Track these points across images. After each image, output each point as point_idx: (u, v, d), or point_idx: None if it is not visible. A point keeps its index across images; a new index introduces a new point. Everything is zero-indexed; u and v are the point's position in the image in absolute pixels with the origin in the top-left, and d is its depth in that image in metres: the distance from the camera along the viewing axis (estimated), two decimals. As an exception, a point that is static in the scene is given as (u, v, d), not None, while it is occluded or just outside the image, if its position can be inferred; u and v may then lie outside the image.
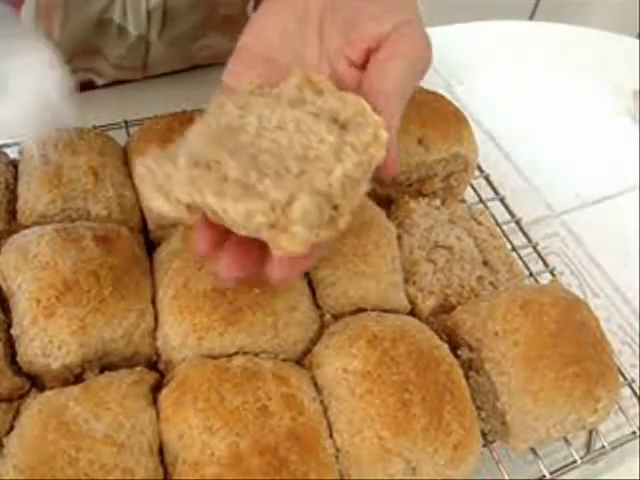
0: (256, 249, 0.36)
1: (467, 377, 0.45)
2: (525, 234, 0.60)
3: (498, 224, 0.59)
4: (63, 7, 0.55)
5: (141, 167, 0.36)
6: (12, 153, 0.54)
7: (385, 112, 0.37)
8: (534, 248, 0.59)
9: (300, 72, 0.40)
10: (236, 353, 0.44)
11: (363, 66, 0.41)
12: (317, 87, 0.39)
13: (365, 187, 0.36)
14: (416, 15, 0.42)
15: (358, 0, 0.42)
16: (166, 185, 0.34)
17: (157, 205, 0.35)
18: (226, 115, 0.38)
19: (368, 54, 0.41)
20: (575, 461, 0.47)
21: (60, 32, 0.56)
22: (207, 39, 0.65)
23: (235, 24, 0.64)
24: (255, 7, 0.64)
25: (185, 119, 0.53)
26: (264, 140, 0.37)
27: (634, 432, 0.50)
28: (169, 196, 0.34)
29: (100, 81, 0.66)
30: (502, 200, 0.63)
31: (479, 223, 0.57)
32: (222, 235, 0.37)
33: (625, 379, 0.52)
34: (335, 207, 0.34)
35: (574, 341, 0.45)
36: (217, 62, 0.70)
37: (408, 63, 0.40)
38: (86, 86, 0.67)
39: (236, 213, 0.33)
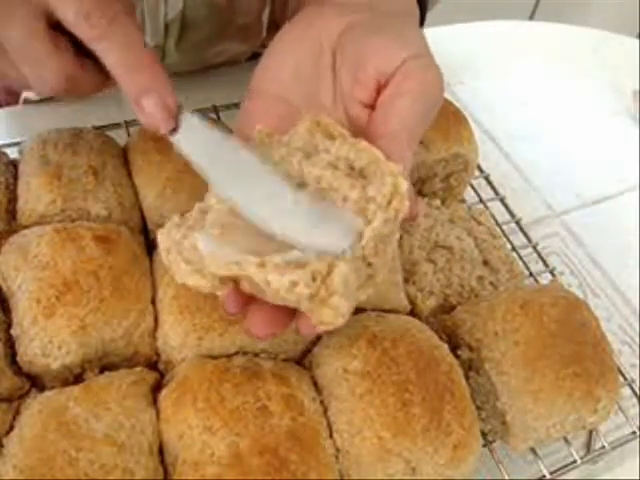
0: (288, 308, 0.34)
1: (467, 377, 0.45)
2: (525, 234, 0.60)
3: (498, 224, 0.59)
4: None
5: (165, 240, 0.35)
6: (12, 153, 0.54)
7: (394, 155, 0.36)
8: (534, 248, 0.59)
9: (309, 117, 0.38)
10: (236, 353, 0.44)
11: (374, 106, 0.39)
12: (327, 130, 0.38)
13: (396, 237, 0.35)
14: (425, 47, 0.40)
15: (367, 35, 0.40)
16: (196, 259, 0.33)
17: (192, 283, 0.34)
18: None
19: (378, 93, 0.39)
20: (575, 461, 0.47)
21: None
22: (222, 46, 0.65)
23: (250, 32, 0.64)
24: (271, 17, 0.64)
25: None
26: None
27: (634, 432, 0.50)
28: (203, 271, 0.33)
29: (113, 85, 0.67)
30: (502, 200, 0.63)
31: (479, 223, 0.57)
32: (250, 295, 0.35)
33: (625, 379, 0.52)
34: (369, 264, 0.34)
35: (574, 341, 0.45)
36: (226, 62, 0.70)
37: (413, 100, 0.37)
38: None
39: (279, 284, 0.31)
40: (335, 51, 0.41)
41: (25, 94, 0.63)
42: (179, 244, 0.34)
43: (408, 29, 0.41)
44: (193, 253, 0.34)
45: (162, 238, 0.35)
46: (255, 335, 0.35)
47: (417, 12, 0.47)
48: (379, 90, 0.38)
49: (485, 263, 0.54)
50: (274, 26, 0.66)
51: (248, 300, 0.35)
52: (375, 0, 0.44)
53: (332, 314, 0.32)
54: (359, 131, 0.38)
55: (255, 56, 0.71)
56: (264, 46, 0.70)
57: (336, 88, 0.41)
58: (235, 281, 0.34)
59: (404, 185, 0.34)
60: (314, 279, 0.32)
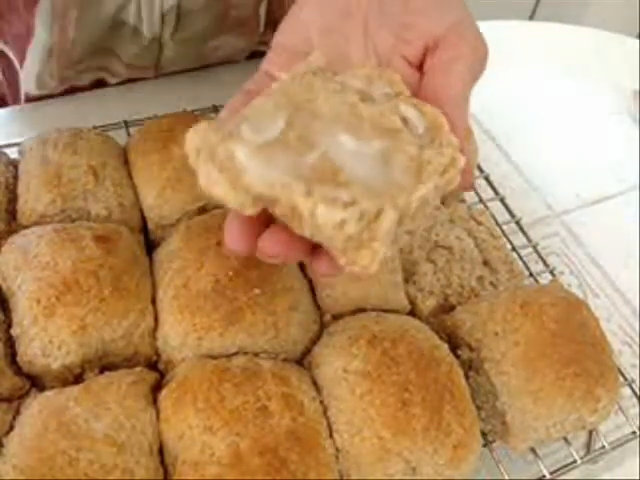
0: (305, 241, 0.32)
1: (467, 377, 0.45)
2: (525, 234, 0.60)
3: (498, 224, 0.59)
4: (78, 7, 0.55)
5: (198, 139, 0.31)
6: (12, 153, 0.54)
7: (457, 121, 0.35)
8: (534, 248, 0.59)
9: (371, 65, 0.37)
10: (236, 353, 0.44)
11: (420, 66, 0.39)
12: (389, 83, 0.36)
13: (431, 209, 0.35)
14: (468, 15, 0.40)
15: None
16: (232, 169, 0.30)
17: (219, 193, 0.30)
18: (293, 94, 0.34)
19: (425, 53, 0.38)
20: (575, 461, 0.47)
21: (75, 32, 0.57)
22: (220, 40, 0.65)
23: (247, 26, 0.64)
24: (268, 11, 0.64)
25: (186, 119, 0.54)
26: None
27: (634, 432, 0.50)
28: (236, 183, 0.29)
29: (113, 80, 0.67)
30: (502, 200, 0.63)
31: (479, 223, 0.57)
32: (259, 229, 0.32)
33: (625, 379, 0.52)
34: (399, 223, 0.32)
35: (574, 341, 0.45)
36: (225, 62, 0.70)
37: (470, 65, 0.37)
38: (92, 86, 0.67)
39: (327, 219, 0.29)
40: (367, 10, 0.40)
41: (25, 90, 0.63)
42: (212, 147, 0.30)
43: None
44: (227, 162, 0.30)
45: (192, 136, 0.31)
46: (269, 253, 0.32)
47: None
48: (426, 52, 0.38)
49: (485, 263, 0.54)
50: (272, 21, 0.66)
51: (255, 237, 0.32)
52: None
53: (370, 257, 0.30)
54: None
55: (254, 55, 0.71)
56: (262, 43, 0.71)
57: (368, 47, 0.40)
58: (269, 204, 0.30)
59: (462, 161, 0.33)
60: (361, 218, 0.29)
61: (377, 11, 0.40)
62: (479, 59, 0.38)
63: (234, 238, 0.33)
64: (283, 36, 0.41)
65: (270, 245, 0.32)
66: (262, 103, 0.34)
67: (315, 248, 0.32)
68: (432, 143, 0.34)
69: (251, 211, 0.30)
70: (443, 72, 0.37)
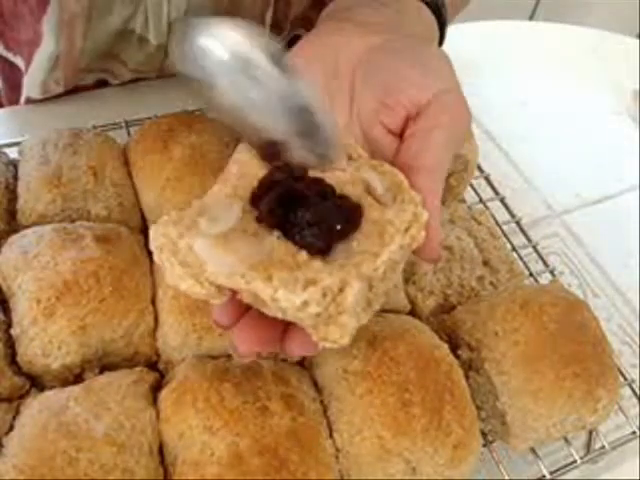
0: (279, 324, 0.33)
1: (467, 377, 0.45)
2: (525, 234, 0.60)
3: (498, 224, 0.59)
4: (86, 17, 0.55)
5: (159, 237, 0.32)
6: (12, 153, 0.54)
7: (426, 189, 0.35)
8: (534, 248, 0.59)
9: None
10: (236, 353, 0.44)
11: (400, 134, 0.38)
12: (346, 151, 0.36)
13: (401, 267, 0.34)
14: (455, 83, 0.39)
15: (395, 62, 0.39)
16: (193, 262, 0.31)
17: (185, 288, 0.31)
18: (248, 177, 0.35)
19: (406, 122, 0.38)
20: (575, 461, 0.47)
21: (82, 41, 0.57)
22: None
23: None
24: (274, 18, 0.64)
25: (186, 119, 0.53)
26: None
27: (634, 432, 0.50)
28: (199, 276, 0.30)
29: (115, 81, 0.67)
30: (502, 200, 0.63)
31: (479, 223, 0.57)
32: (242, 307, 0.33)
33: (625, 379, 0.52)
34: (370, 287, 0.32)
35: (574, 341, 0.45)
36: None
37: (449, 135, 0.37)
38: (94, 86, 0.67)
39: (289, 303, 0.29)
40: (355, 73, 0.40)
41: (27, 94, 0.63)
42: (174, 243, 0.31)
43: (435, 58, 0.41)
44: (189, 255, 0.31)
45: (155, 235, 0.32)
46: (242, 353, 0.33)
47: (437, 34, 0.47)
48: (407, 120, 0.38)
49: (485, 263, 0.54)
50: (277, 28, 0.66)
51: (240, 312, 0.33)
52: (395, 21, 0.44)
53: (339, 332, 0.30)
54: (378, 154, 0.38)
55: None
56: None
57: (353, 110, 0.40)
58: (233, 291, 0.31)
59: (425, 215, 0.33)
60: (325, 296, 0.30)
61: (365, 74, 0.39)
62: (460, 128, 0.38)
63: (218, 312, 0.34)
64: None
65: (244, 343, 0.33)
66: (218, 191, 0.34)
67: (288, 328, 0.33)
68: (394, 202, 0.34)
69: (219, 300, 0.31)
70: (421, 140, 0.37)
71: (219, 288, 0.31)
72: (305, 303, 0.29)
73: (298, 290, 0.29)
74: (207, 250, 0.31)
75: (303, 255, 0.31)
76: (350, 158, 0.36)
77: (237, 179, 0.35)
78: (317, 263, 0.31)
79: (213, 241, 0.31)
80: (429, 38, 0.46)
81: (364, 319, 0.32)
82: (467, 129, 0.39)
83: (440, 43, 0.49)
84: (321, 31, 0.43)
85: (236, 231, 0.32)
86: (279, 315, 0.31)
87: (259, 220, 0.33)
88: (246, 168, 0.35)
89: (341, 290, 0.30)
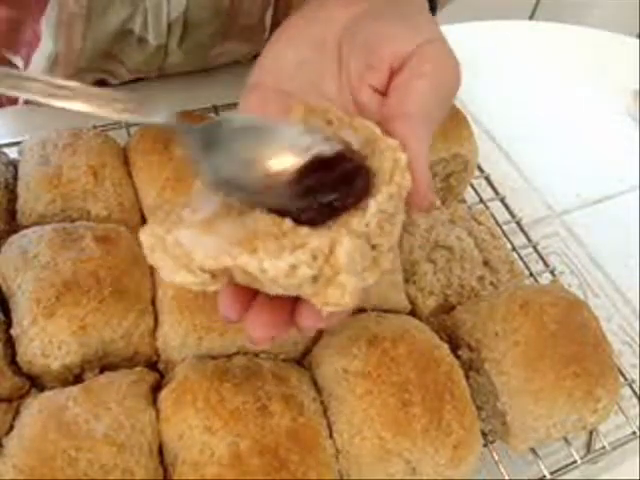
0: (288, 304, 0.32)
1: (467, 377, 0.45)
2: (525, 234, 0.60)
3: (498, 224, 0.59)
4: (85, 18, 0.55)
5: (148, 237, 0.32)
6: (12, 153, 0.54)
7: (409, 137, 0.34)
8: (534, 248, 0.60)
9: (302, 104, 0.37)
10: (236, 353, 0.44)
11: (387, 92, 0.38)
12: (325, 117, 0.36)
13: (401, 218, 0.33)
14: (438, 32, 0.39)
15: (377, 22, 0.39)
16: (182, 254, 0.31)
17: (180, 280, 0.31)
18: None
19: (391, 78, 0.37)
20: (575, 461, 0.47)
21: (81, 42, 0.57)
22: (225, 46, 0.65)
23: (253, 33, 0.64)
24: (274, 17, 0.64)
25: (187, 119, 0.53)
26: None
27: (634, 432, 0.50)
28: (190, 266, 0.30)
29: (114, 82, 0.67)
30: (502, 200, 0.63)
31: (479, 223, 0.57)
32: (249, 295, 0.33)
33: (625, 379, 0.52)
34: (374, 246, 0.31)
35: (574, 341, 0.45)
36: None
37: (432, 84, 0.36)
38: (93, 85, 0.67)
39: (277, 270, 0.28)
40: (341, 41, 0.40)
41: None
42: (163, 240, 0.31)
43: (419, 15, 0.40)
44: (178, 249, 0.31)
45: (144, 237, 0.32)
46: (255, 340, 0.33)
47: (426, 5, 0.46)
48: (392, 75, 0.37)
49: (485, 263, 0.54)
50: (277, 27, 0.66)
51: (246, 303, 0.33)
52: None
53: (339, 293, 0.29)
54: (369, 117, 0.37)
55: (256, 56, 0.71)
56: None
57: (342, 77, 0.40)
58: (229, 276, 0.31)
59: (403, 159, 0.32)
60: (315, 258, 0.29)
61: (349, 41, 0.39)
62: (446, 77, 0.37)
63: (224, 307, 0.33)
64: (260, 73, 0.41)
65: (256, 330, 0.33)
66: (199, 184, 0.34)
67: (297, 304, 0.32)
68: (373, 155, 0.33)
69: (215, 287, 0.31)
70: (402, 90, 0.36)
71: (212, 274, 0.30)
72: (293, 267, 0.29)
73: (284, 256, 0.29)
74: (192, 238, 0.31)
75: (288, 223, 0.31)
76: (330, 123, 0.36)
77: None
78: (304, 229, 0.30)
79: (197, 229, 0.31)
80: (415, 3, 0.45)
81: (371, 278, 0.31)
82: (456, 81, 0.38)
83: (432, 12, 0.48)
84: (304, 10, 0.43)
85: (220, 216, 0.32)
86: (276, 290, 0.30)
87: None
88: None
89: (332, 251, 0.29)
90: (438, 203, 0.57)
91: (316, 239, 0.29)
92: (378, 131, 0.34)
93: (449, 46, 0.38)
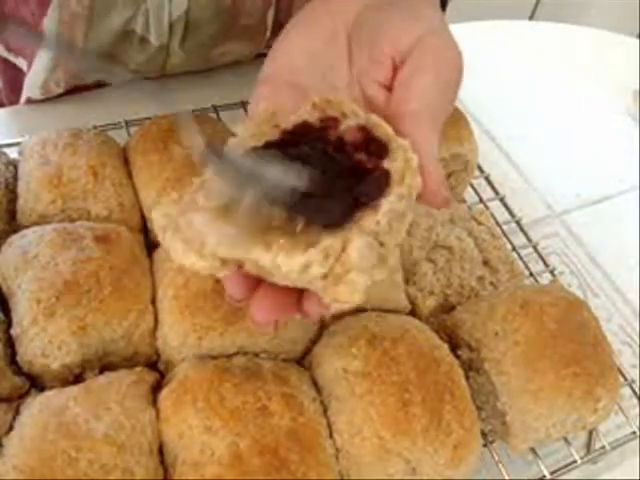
0: (294, 290, 0.32)
1: (467, 377, 0.45)
2: (525, 234, 0.60)
3: (498, 224, 0.59)
4: (87, 19, 0.55)
5: (160, 217, 0.32)
6: (12, 153, 0.54)
7: (414, 136, 0.34)
8: (534, 248, 0.60)
9: (319, 96, 0.36)
10: (236, 353, 0.44)
11: (391, 88, 0.37)
12: (339, 109, 0.36)
13: (410, 217, 0.33)
14: (440, 22, 0.38)
15: (380, 13, 0.39)
16: (194, 238, 0.31)
17: (190, 264, 0.31)
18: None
19: (394, 72, 0.37)
20: (575, 461, 0.47)
21: (83, 43, 0.57)
22: (226, 46, 0.65)
23: (255, 32, 0.64)
24: (275, 17, 0.64)
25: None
26: None
27: (634, 432, 0.50)
28: (201, 251, 0.30)
29: (115, 82, 0.67)
30: (502, 200, 0.63)
31: (479, 223, 0.57)
32: (255, 280, 0.33)
33: (625, 379, 0.52)
34: (381, 244, 0.31)
35: (574, 341, 0.45)
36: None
37: (434, 77, 0.36)
38: (94, 86, 0.67)
39: (289, 267, 0.29)
40: (350, 33, 0.40)
41: (27, 94, 0.63)
42: (175, 222, 0.31)
43: (423, 6, 0.40)
44: (191, 232, 0.31)
45: (157, 216, 0.32)
46: (259, 322, 0.33)
47: None
48: (396, 69, 0.37)
49: (485, 263, 0.54)
50: (279, 27, 0.66)
51: (253, 284, 0.33)
52: None
53: (349, 291, 0.29)
54: (376, 112, 0.36)
55: (259, 57, 0.71)
56: (269, 47, 0.70)
57: (352, 70, 0.39)
58: (238, 263, 0.31)
59: (414, 160, 0.32)
60: (327, 256, 0.29)
61: (357, 34, 0.39)
62: (448, 69, 0.37)
63: (230, 287, 0.33)
64: (271, 65, 0.41)
65: (260, 312, 0.32)
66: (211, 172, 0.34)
67: (304, 292, 0.32)
68: (385, 154, 0.33)
69: (223, 273, 0.31)
70: (405, 86, 0.36)
71: (223, 261, 0.30)
72: (306, 266, 0.29)
73: (297, 253, 0.29)
74: (206, 224, 0.31)
75: (301, 221, 0.31)
76: (344, 116, 0.36)
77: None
78: (317, 227, 0.30)
79: (212, 214, 0.31)
80: None
81: (379, 275, 0.31)
82: (459, 71, 0.37)
83: (443, 8, 0.47)
84: (316, 1, 0.42)
85: (235, 202, 0.32)
86: (286, 282, 0.30)
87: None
88: (243, 143, 0.35)
89: (344, 249, 0.30)
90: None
91: (329, 238, 0.30)
92: (390, 130, 0.34)
93: (451, 35, 0.38)
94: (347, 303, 0.30)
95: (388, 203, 0.31)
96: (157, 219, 0.32)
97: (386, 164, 0.33)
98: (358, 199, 0.32)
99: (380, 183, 0.32)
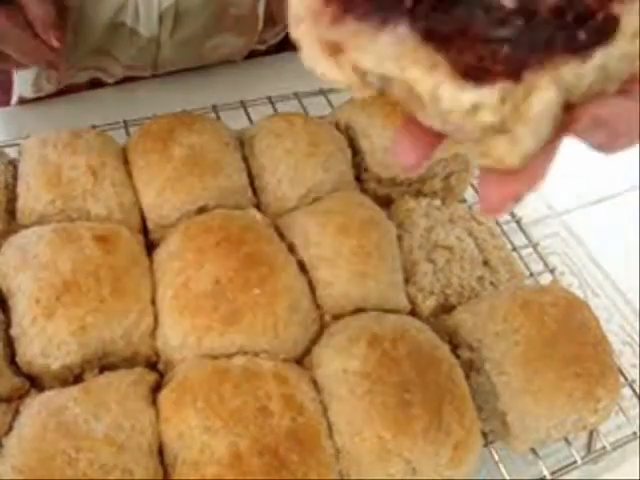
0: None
1: (467, 377, 0.45)
2: (525, 234, 0.60)
3: (498, 224, 0.59)
4: (77, 11, 0.55)
5: (299, 5, 0.25)
6: (12, 153, 0.54)
7: None
8: (534, 248, 0.59)
9: None
10: (236, 353, 0.44)
11: None
12: None
13: (615, 88, 0.25)
14: None
15: None
16: (335, 39, 0.24)
17: (322, 70, 0.25)
18: None
19: None
20: (576, 461, 0.47)
21: (73, 36, 0.57)
22: (218, 39, 0.65)
23: (246, 24, 0.64)
24: (267, 9, 0.64)
25: (186, 119, 0.53)
26: None
27: (635, 432, 0.50)
28: (340, 59, 0.24)
29: (109, 80, 0.67)
30: (502, 200, 0.63)
31: (479, 223, 0.57)
32: (432, 139, 0.27)
33: (625, 379, 0.51)
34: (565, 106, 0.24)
35: (574, 341, 0.45)
36: (223, 61, 0.70)
37: None
38: (88, 85, 0.67)
39: (454, 103, 0.22)
40: None
41: (19, 92, 0.63)
42: (316, 15, 0.24)
43: None
44: (333, 32, 0.24)
45: (295, 1, 0.25)
46: (407, 163, 0.27)
47: None
48: None
49: (485, 263, 0.54)
50: (270, 20, 0.66)
51: (430, 145, 0.27)
52: None
53: (508, 147, 0.23)
54: None
55: (252, 55, 0.71)
56: (261, 42, 0.70)
57: None
58: (382, 85, 0.24)
59: None
60: (503, 101, 0.22)
61: None
62: None
63: (405, 150, 0.27)
64: None
65: (406, 152, 0.27)
66: None
67: None
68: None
69: (361, 94, 0.25)
70: None
71: (363, 77, 0.24)
72: (475, 107, 0.22)
73: (468, 88, 0.22)
74: (352, 30, 0.24)
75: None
76: None
77: None
78: (498, 66, 0.23)
79: (359, 27, 0.24)
80: None
81: (514, 157, 0.24)
82: None
83: None
84: None
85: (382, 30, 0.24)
86: (436, 123, 0.24)
87: None
88: None
89: (526, 97, 0.23)
90: (438, 203, 0.57)
91: (509, 81, 0.22)
92: None
93: None
94: (499, 164, 0.24)
95: (603, 56, 0.23)
96: (295, 6, 0.25)
97: (616, 8, 0.24)
98: (567, 40, 0.23)
99: (600, 28, 0.24)
